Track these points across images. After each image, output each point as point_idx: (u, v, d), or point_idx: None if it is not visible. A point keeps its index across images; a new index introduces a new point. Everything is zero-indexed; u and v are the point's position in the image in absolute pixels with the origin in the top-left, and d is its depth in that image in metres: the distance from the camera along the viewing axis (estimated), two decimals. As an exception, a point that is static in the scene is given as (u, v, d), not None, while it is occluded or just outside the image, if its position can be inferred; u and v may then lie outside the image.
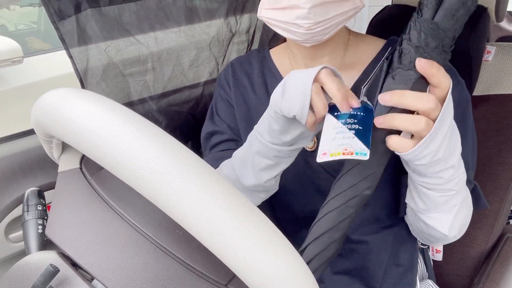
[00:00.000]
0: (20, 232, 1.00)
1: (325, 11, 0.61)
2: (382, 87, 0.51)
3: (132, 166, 0.34)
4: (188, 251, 0.42)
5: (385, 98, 0.49)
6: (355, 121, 0.53)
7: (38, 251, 0.51)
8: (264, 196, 0.70)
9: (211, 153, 0.81)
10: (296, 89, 0.53)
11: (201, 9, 1.09)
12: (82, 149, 0.39)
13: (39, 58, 2.54)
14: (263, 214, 0.35)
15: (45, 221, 0.54)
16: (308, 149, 0.73)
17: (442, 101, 0.49)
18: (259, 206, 0.80)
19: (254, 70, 0.82)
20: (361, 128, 0.52)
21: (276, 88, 0.57)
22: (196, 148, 1.24)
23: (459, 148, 0.55)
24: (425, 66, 0.47)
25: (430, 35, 0.47)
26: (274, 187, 0.68)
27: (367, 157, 0.49)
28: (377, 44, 0.75)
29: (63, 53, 0.91)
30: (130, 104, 1.04)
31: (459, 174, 0.56)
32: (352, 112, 0.53)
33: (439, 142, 0.49)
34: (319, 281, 0.75)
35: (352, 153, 0.50)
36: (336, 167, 0.69)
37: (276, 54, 0.82)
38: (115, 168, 0.36)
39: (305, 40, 0.65)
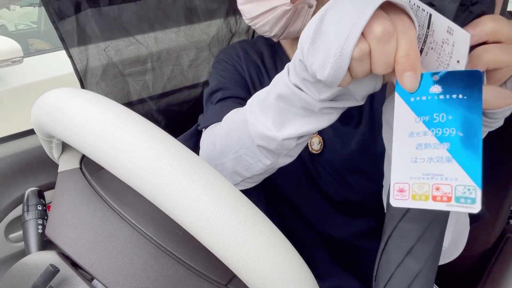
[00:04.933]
0: (20, 232, 1.00)
1: (252, 9, 0.66)
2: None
3: (132, 166, 0.34)
4: (188, 251, 0.42)
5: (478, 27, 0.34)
6: (450, 115, 0.32)
7: (38, 251, 0.51)
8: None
9: (218, 105, 0.71)
10: (331, 45, 0.35)
11: (201, 9, 1.09)
12: (82, 149, 0.39)
13: (39, 58, 2.54)
14: (263, 214, 0.35)
15: (45, 221, 0.54)
16: (314, 152, 0.71)
17: None
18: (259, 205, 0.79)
19: (265, 54, 0.79)
20: (461, 133, 0.31)
21: (308, 23, 0.38)
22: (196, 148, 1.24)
23: None
24: None
25: None
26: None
27: (477, 207, 0.30)
28: None
29: (63, 53, 0.91)
30: (129, 104, 1.04)
31: None
32: (440, 93, 0.33)
33: None
34: (316, 275, 0.75)
35: (450, 198, 0.31)
36: (341, 174, 0.69)
37: (287, 43, 0.80)
38: (115, 168, 0.36)
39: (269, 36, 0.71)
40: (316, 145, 0.71)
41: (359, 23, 0.33)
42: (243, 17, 0.70)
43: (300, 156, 0.71)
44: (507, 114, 0.37)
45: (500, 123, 0.38)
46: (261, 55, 0.79)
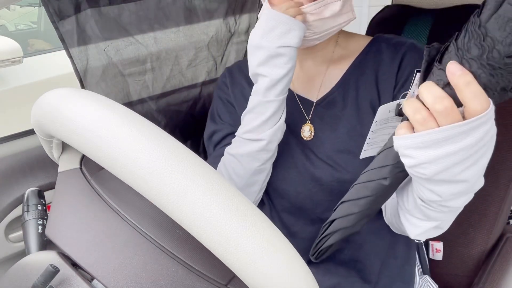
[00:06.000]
0: (20, 232, 1.00)
1: (322, 24, 0.70)
2: (423, 76, 0.47)
3: (132, 166, 0.34)
4: (188, 251, 0.42)
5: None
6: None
7: (38, 251, 0.51)
8: (267, 157, 0.74)
9: (216, 150, 0.85)
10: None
11: (200, 9, 1.09)
12: (82, 149, 0.39)
13: (39, 58, 2.54)
14: (263, 214, 0.35)
15: (45, 221, 0.54)
16: (305, 139, 0.78)
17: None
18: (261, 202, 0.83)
19: None
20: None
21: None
22: (195, 147, 1.24)
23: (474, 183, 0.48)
24: (452, 71, 0.40)
25: (475, 39, 0.39)
26: (276, 142, 0.73)
27: None
28: (364, 40, 0.81)
29: (63, 53, 0.91)
30: (129, 104, 1.04)
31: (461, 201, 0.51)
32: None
33: (433, 154, 0.43)
34: (315, 272, 0.76)
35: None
36: (332, 157, 0.74)
37: None
38: (115, 168, 0.36)
39: (300, 46, 0.73)
40: (307, 132, 0.78)
41: None
42: (309, 32, 0.71)
43: (291, 148, 0.78)
44: (398, 147, 0.47)
45: (406, 161, 0.47)
46: (247, 74, 0.85)
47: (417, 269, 0.85)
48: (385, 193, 0.56)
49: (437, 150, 0.43)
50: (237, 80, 0.87)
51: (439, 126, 0.42)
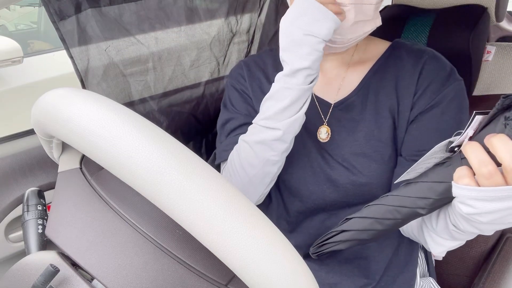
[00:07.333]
0: (20, 232, 1.00)
1: (353, 30, 0.69)
2: (487, 122, 0.46)
3: (132, 166, 0.34)
4: (188, 251, 0.42)
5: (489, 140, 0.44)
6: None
7: (38, 251, 0.51)
8: (282, 148, 0.71)
9: (228, 138, 0.84)
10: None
11: (201, 9, 1.09)
12: (82, 149, 0.39)
13: (39, 58, 2.54)
14: (263, 214, 0.35)
15: (45, 221, 0.54)
16: (321, 140, 0.78)
17: None
18: (269, 196, 0.84)
19: (268, 65, 0.87)
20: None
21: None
22: (197, 148, 1.24)
23: None
24: None
25: None
26: (292, 134, 0.70)
27: None
28: (383, 45, 0.81)
29: (63, 53, 0.91)
30: (131, 104, 1.04)
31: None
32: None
33: (495, 207, 0.45)
34: (318, 269, 0.77)
35: None
36: (348, 159, 0.75)
37: None
38: (115, 168, 0.36)
39: (328, 52, 0.75)
40: (323, 134, 0.78)
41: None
42: (339, 37, 0.69)
43: (307, 149, 0.78)
44: (457, 196, 0.48)
45: (463, 209, 0.48)
46: (264, 67, 0.87)
47: (422, 269, 0.86)
48: (415, 218, 0.57)
49: (501, 203, 0.44)
50: (255, 74, 0.86)
51: (505, 182, 0.43)
